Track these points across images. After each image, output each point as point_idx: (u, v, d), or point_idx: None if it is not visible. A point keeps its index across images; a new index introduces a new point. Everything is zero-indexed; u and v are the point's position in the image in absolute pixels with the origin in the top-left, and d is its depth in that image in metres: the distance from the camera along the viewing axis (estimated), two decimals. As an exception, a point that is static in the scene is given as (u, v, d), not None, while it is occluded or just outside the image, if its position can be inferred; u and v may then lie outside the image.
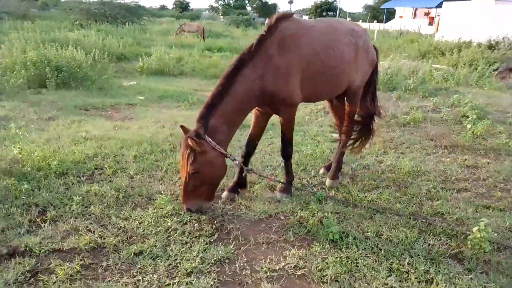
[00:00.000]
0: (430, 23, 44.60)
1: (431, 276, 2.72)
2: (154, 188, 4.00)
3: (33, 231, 3.18)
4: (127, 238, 3.11)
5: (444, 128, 6.21)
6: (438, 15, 35.45)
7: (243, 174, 3.86)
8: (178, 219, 3.39)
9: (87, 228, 3.20)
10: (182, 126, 3.31)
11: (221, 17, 66.54)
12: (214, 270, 2.76)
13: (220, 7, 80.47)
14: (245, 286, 2.64)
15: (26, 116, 6.60)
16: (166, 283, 2.61)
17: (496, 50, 17.65)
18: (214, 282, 2.63)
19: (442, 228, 3.34)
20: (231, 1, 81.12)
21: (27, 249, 2.90)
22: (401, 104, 7.72)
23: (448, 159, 5.00)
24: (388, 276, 2.70)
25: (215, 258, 2.86)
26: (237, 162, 3.66)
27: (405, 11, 43.95)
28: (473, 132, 5.80)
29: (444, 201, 3.84)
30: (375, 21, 39.76)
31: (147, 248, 2.95)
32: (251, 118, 3.97)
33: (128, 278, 2.65)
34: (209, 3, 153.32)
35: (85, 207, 3.55)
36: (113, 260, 2.83)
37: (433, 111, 7.37)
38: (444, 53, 18.19)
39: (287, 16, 3.61)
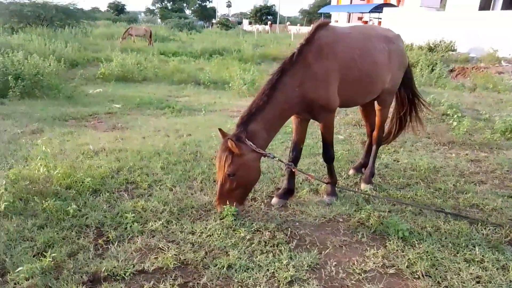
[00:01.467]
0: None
1: (502, 263, 2.99)
2: (200, 199, 3.90)
3: (101, 253, 2.98)
4: (207, 252, 3.03)
5: (438, 126, 6.73)
6: (371, 20, 37.86)
7: (285, 170, 4.01)
8: (246, 228, 3.35)
9: (160, 247, 3.06)
10: (220, 130, 3.48)
11: (159, 20, 65.13)
12: (311, 277, 2.79)
13: (157, 10, 78.55)
14: (346, 289, 2.71)
15: (9, 130, 6.03)
16: (275, 294, 2.60)
17: (435, 52, 19.31)
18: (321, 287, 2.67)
19: (487, 218, 3.66)
20: (168, 4, 79.51)
21: (110, 273, 2.71)
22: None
23: (453, 155, 5.45)
24: (469, 266, 2.92)
25: (306, 265, 2.89)
26: (277, 159, 3.71)
27: (340, 15, 46.18)
28: (459, 129, 6.35)
29: (473, 193, 4.20)
30: (311, 25, 41.55)
31: (235, 261, 2.90)
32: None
33: (233, 293, 2.60)
34: (145, 6, 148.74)
35: (142, 225, 3.38)
36: (207, 276, 2.74)
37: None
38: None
39: (324, 24, 3.75)
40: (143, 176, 4.34)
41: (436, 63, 15.21)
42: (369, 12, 36.21)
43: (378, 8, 33.21)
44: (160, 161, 4.73)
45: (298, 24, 54.57)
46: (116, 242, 3.09)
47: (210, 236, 3.25)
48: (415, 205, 3.90)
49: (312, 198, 4.05)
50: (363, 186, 4.34)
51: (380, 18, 31.15)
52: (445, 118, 7.15)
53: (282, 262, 2.91)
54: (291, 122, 4.06)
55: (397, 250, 3.12)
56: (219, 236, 3.23)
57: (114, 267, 2.77)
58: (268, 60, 19.76)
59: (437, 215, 3.69)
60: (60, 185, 3.90)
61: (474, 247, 3.18)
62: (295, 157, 3.98)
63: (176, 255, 2.94)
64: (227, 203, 3.40)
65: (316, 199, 4.02)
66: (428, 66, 14.37)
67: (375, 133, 4.48)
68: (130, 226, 3.28)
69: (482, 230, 3.46)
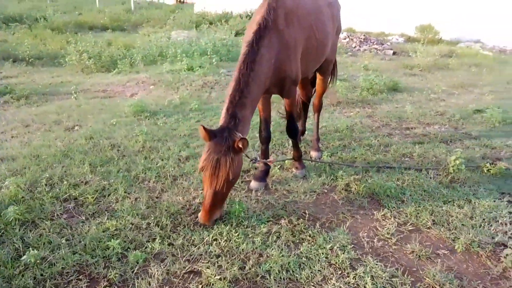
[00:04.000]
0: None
1: (465, 197, 3.60)
2: (176, 200, 3.27)
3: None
4: (244, 261, 2.58)
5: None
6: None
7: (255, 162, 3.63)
8: (258, 222, 3.00)
9: (192, 270, 2.44)
10: (204, 128, 2.70)
11: None
12: (359, 253, 2.74)
13: None
14: (391, 255, 2.78)
15: None
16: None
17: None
18: (375, 259, 2.66)
19: (423, 165, 4.30)
20: None
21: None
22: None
23: (351, 114, 6.11)
24: (451, 206, 3.41)
25: (345, 243, 2.82)
26: (259, 160, 3.47)
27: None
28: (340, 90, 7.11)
29: (395, 145, 4.83)
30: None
31: (283, 261, 2.58)
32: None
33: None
34: None
35: (139, 249, 2.60)
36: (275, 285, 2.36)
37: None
38: (212, 23, 19.97)
39: None
40: (76, 188, 3.30)
41: None
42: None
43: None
44: (82, 164, 3.67)
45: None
46: (130, 283, 2.30)
47: (229, 241, 2.77)
48: (375, 165, 4.22)
49: (285, 175, 3.90)
50: (313, 154, 4.42)
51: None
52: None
53: (325, 247, 2.75)
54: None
55: (396, 207, 3.37)
56: (241, 240, 2.79)
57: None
58: (85, 30, 17.36)
59: (394, 172, 4.11)
60: None
61: (439, 190, 3.71)
62: (267, 137, 3.69)
63: (221, 273, 2.41)
64: (217, 212, 2.89)
65: (289, 175, 3.90)
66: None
67: (316, 101, 4.56)
68: (125, 256, 2.48)
69: (430, 176, 4.05)
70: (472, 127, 5.76)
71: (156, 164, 3.93)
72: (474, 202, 3.50)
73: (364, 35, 14.95)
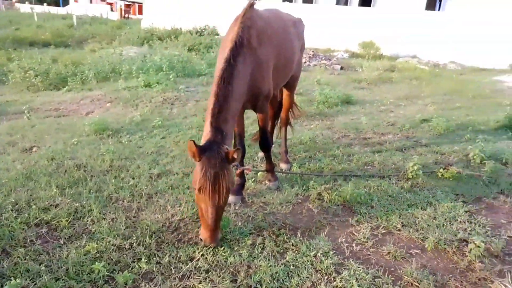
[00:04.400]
0: (112, 10, 45.57)
1: (428, 200, 3.89)
2: (156, 218, 3.21)
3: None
4: (238, 272, 2.62)
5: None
6: (116, 1, 36.74)
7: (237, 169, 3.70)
8: (242, 235, 3.04)
9: (193, 282, 2.42)
10: (193, 142, 2.61)
11: None
12: (340, 258, 2.88)
13: None
14: (371, 258, 2.95)
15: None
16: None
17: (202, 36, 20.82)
18: (356, 263, 2.81)
19: (385, 172, 4.58)
20: None
21: None
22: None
23: (312, 126, 6.35)
24: (415, 209, 3.67)
25: (327, 249, 2.95)
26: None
27: (85, -6, 42.73)
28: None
29: (357, 155, 5.10)
30: (45, 3, 37.12)
31: (271, 270, 2.64)
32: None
33: None
34: None
35: (127, 270, 2.54)
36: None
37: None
38: (162, 39, 19.86)
39: (253, 5, 3.46)
40: (47, 212, 3.16)
41: (211, 46, 16.61)
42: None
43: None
44: (48, 187, 3.52)
45: (27, 2, 46.86)
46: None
47: (216, 255, 2.79)
48: (342, 174, 4.43)
49: (259, 188, 3.98)
50: (283, 166, 4.55)
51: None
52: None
53: (309, 255, 2.85)
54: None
55: (367, 213, 3.57)
56: (227, 253, 2.81)
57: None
58: (25, 45, 16.51)
59: (359, 180, 4.35)
60: None
61: (403, 194, 3.98)
62: (243, 152, 3.76)
63: (215, 287, 2.42)
64: (219, 229, 2.84)
65: (263, 187, 3.98)
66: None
67: (283, 115, 4.72)
68: (112, 278, 2.41)
69: (392, 182, 4.34)
70: (422, 135, 6.23)
71: (128, 183, 3.84)
72: (435, 204, 3.80)
73: (312, 51, 15.60)
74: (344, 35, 19.76)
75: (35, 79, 8.82)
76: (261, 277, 2.58)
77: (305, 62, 14.48)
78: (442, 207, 3.73)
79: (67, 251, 2.72)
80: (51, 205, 3.31)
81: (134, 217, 3.26)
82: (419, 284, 2.64)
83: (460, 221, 3.50)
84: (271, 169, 4.05)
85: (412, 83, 11.66)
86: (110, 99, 7.38)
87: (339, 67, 14.02)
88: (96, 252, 2.71)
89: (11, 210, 3.14)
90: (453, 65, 17.51)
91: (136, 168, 4.21)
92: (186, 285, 2.47)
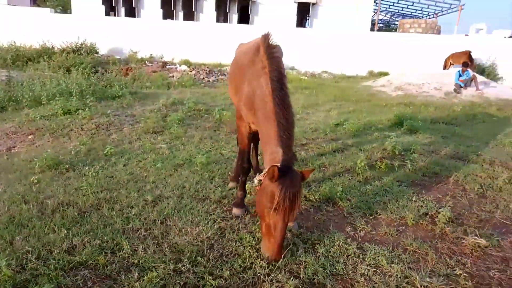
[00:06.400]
0: None
1: (385, 191, 4.81)
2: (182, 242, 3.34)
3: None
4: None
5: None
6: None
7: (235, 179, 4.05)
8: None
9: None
10: (278, 167, 2.82)
11: None
12: (357, 243, 3.50)
13: None
14: (378, 240, 3.64)
15: None
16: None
17: (81, 55, 19.39)
18: (374, 245, 3.47)
19: (338, 170, 5.40)
20: None
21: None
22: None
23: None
24: (389, 201, 4.53)
25: (342, 240, 3.53)
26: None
27: None
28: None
29: (308, 159, 5.83)
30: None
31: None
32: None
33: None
34: None
35: None
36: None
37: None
38: (31, 59, 18.08)
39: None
40: (73, 254, 3.03)
41: (95, 66, 15.84)
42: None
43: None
44: (50, 230, 3.36)
45: None
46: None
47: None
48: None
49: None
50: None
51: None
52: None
53: (333, 245, 3.39)
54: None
55: (350, 205, 4.28)
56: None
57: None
58: None
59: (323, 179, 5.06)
60: None
61: (365, 187, 4.82)
62: (249, 168, 4.06)
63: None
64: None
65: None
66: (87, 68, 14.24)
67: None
68: None
69: (349, 178, 5.16)
70: (341, 136, 7.34)
71: (130, 213, 3.79)
72: (391, 191, 4.73)
73: (207, 67, 16.14)
74: (231, 50, 20.80)
75: None
76: (313, 270, 3.01)
77: (203, 78, 14.94)
78: (397, 192, 4.68)
79: (130, 285, 2.71)
80: (69, 247, 3.14)
81: (163, 243, 3.32)
82: (420, 250, 3.43)
83: (414, 200, 4.48)
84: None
85: (305, 92, 13.15)
86: (29, 131, 6.68)
87: (236, 81, 14.86)
88: (160, 280, 2.78)
89: (35, 259, 2.89)
90: (326, 74, 20.09)
91: (125, 197, 4.14)
92: (262, 288, 2.76)
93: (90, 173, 4.75)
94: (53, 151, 5.64)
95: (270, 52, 3.41)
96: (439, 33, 25.87)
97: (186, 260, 3.03)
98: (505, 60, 19.63)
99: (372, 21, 26.92)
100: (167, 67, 16.91)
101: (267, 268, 3.02)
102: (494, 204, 4.53)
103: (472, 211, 4.31)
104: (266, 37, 3.56)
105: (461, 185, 5.13)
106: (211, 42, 21.17)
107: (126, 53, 21.08)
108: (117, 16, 25.64)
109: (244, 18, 26.02)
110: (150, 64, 19.10)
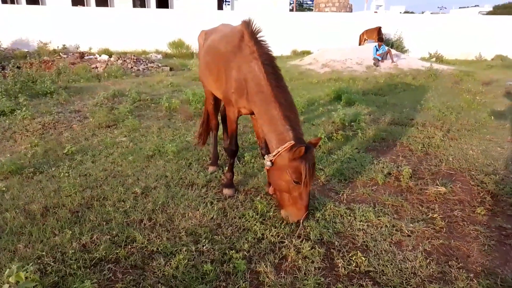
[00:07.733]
0: None
1: (350, 159, 5.33)
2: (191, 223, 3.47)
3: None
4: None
5: (183, 107, 7.74)
6: None
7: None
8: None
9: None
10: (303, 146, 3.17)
11: None
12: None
13: None
14: (369, 201, 4.11)
15: None
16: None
17: None
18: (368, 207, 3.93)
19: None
20: None
21: None
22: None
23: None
24: (351, 163, 5.04)
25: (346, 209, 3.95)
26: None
27: None
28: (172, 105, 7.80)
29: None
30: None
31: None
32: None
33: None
34: None
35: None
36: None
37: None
38: None
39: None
40: (89, 251, 3.02)
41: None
42: None
43: None
44: (51, 233, 3.29)
45: None
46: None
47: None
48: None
49: (251, 171, 4.55)
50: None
51: None
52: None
53: (354, 218, 3.71)
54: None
55: (323, 174, 4.70)
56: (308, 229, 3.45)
57: None
58: None
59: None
60: None
61: (331, 156, 5.29)
62: (236, 151, 4.17)
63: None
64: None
65: (252, 172, 4.57)
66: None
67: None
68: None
69: (317, 151, 5.58)
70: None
71: (123, 207, 3.77)
72: (353, 158, 5.27)
73: (134, 56, 15.50)
74: (153, 36, 20.10)
75: None
76: (319, 231, 3.36)
77: (131, 67, 14.36)
78: (358, 158, 5.23)
79: (161, 272, 2.80)
80: (82, 246, 3.09)
81: (173, 229, 3.41)
82: (396, 203, 3.97)
83: (376, 163, 5.07)
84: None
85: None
86: (-36, 137, 6.01)
87: (167, 68, 14.55)
88: (188, 261, 2.90)
89: (53, 262, 2.81)
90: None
91: (112, 193, 4.07)
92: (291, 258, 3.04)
93: (61, 174, 4.53)
94: (4, 156, 5.21)
95: (256, 38, 3.59)
96: (351, 11, 27.71)
97: (204, 240, 3.18)
98: (409, 33, 21.84)
99: (290, 2, 27.83)
100: (86, 57, 15.84)
101: (278, 236, 3.31)
102: (438, 159, 5.30)
103: (424, 166, 5.02)
104: (248, 23, 3.72)
105: (407, 146, 5.87)
106: (131, 28, 20.25)
107: (35, 45, 19.31)
108: (16, 4, 23.13)
109: (162, 2, 25.16)
110: (65, 56, 17.69)
